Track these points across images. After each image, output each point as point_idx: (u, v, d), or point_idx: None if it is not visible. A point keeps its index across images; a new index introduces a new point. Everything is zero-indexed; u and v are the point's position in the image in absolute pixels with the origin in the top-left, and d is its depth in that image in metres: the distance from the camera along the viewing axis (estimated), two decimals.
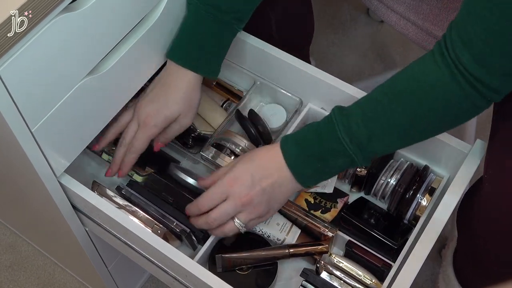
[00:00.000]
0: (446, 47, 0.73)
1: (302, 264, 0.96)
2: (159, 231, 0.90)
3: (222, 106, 1.09)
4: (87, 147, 0.91)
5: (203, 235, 0.92)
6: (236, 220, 0.86)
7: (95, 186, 0.94)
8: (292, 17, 1.17)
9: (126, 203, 0.92)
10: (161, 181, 0.96)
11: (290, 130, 1.00)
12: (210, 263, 0.93)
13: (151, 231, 0.88)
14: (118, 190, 0.94)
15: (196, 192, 0.96)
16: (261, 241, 0.95)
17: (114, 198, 0.93)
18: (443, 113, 0.77)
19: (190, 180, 0.97)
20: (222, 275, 0.83)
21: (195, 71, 0.91)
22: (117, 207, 0.90)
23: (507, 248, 0.87)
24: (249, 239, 0.95)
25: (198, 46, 0.91)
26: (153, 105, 0.92)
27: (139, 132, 0.92)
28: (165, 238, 0.91)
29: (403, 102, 0.77)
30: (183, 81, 0.91)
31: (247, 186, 0.84)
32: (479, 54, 0.70)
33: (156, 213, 0.92)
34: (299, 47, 1.25)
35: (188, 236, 0.92)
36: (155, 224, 0.90)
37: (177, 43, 0.92)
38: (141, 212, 0.91)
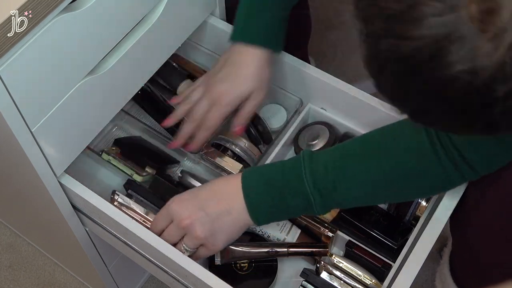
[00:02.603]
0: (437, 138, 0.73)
1: (302, 264, 0.96)
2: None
3: None
4: (87, 147, 0.91)
5: None
6: (182, 243, 0.83)
7: (114, 197, 0.91)
8: (289, 17, 1.17)
9: (149, 215, 0.90)
10: (164, 184, 0.96)
11: (290, 130, 1.00)
12: (210, 263, 0.93)
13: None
14: (129, 197, 0.93)
15: None
16: (261, 241, 0.95)
17: (135, 208, 0.91)
18: (415, 180, 0.76)
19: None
20: (222, 275, 0.83)
21: (264, 45, 0.90)
22: (138, 218, 0.89)
23: (498, 249, 0.88)
24: (249, 239, 0.95)
25: (261, 20, 0.91)
26: (225, 84, 0.91)
27: (213, 111, 0.92)
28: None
29: (377, 158, 0.75)
30: (253, 58, 0.90)
31: (191, 209, 0.81)
32: (477, 167, 0.72)
33: None
34: (297, 47, 1.25)
35: None
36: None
37: (241, 22, 0.92)
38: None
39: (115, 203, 0.90)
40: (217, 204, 0.80)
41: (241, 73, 0.91)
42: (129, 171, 1.00)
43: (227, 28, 1.02)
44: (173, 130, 1.02)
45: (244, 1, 0.92)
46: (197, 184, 0.96)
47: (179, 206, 0.82)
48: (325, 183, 0.75)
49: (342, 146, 0.79)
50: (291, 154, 1.04)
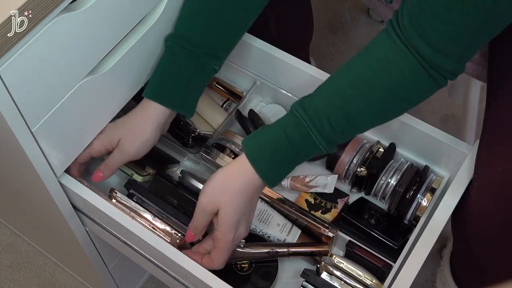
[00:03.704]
0: (400, 30, 0.74)
1: (302, 264, 0.96)
2: (178, 240, 0.88)
3: (222, 106, 1.09)
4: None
5: None
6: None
7: (112, 194, 0.91)
8: (291, 17, 1.17)
9: (146, 213, 0.90)
10: (164, 184, 0.96)
11: None
12: None
13: (169, 240, 0.88)
14: (130, 197, 0.93)
15: None
16: (261, 241, 0.95)
17: (132, 207, 0.91)
18: (415, 100, 0.78)
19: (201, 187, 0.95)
20: (222, 276, 0.83)
21: (165, 105, 0.89)
22: (133, 217, 0.89)
23: (498, 249, 0.88)
24: (250, 240, 0.94)
25: (170, 80, 0.89)
26: (107, 125, 0.91)
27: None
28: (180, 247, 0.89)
29: (375, 95, 0.76)
30: (146, 111, 0.90)
31: (247, 229, 0.85)
32: (436, 45, 0.71)
33: (169, 221, 0.91)
34: (299, 47, 1.25)
35: None
36: (174, 233, 0.89)
37: (151, 79, 0.91)
38: (159, 220, 0.89)
39: (113, 200, 0.90)
40: (254, 205, 0.85)
41: (124, 118, 0.91)
42: (129, 171, 1.00)
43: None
44: (174, 131, 1.02)
45: (164, 50, 0.90)
46: (197, 184, 0.95)
47: (236, 235, 0.84)
48: (334, 137, 0.78)
49: (335, 90, 0.78)
50: None
